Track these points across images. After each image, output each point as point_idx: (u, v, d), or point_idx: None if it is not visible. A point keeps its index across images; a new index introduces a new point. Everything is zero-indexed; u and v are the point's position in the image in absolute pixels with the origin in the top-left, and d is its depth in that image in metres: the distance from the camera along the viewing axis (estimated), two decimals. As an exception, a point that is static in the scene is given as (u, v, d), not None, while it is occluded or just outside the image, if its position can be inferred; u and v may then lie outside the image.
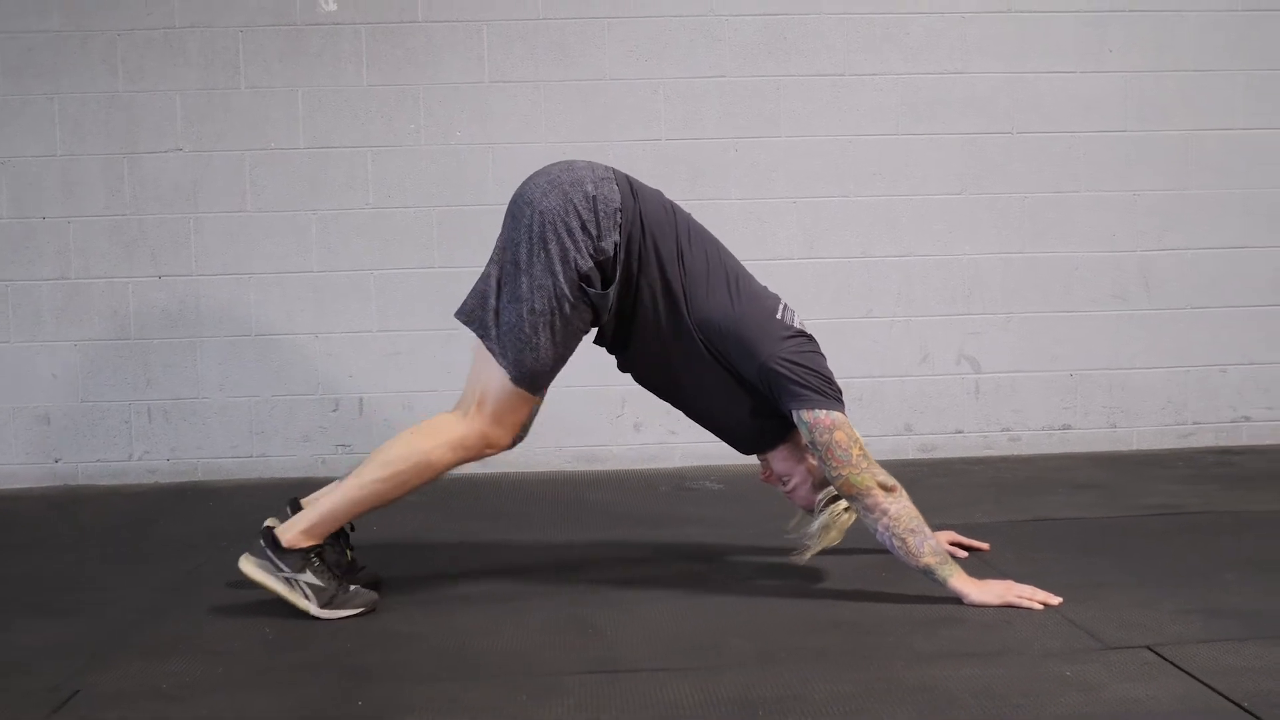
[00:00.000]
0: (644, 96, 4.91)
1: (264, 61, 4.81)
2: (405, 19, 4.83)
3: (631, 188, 3.10)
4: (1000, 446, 5.07)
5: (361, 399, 4.91)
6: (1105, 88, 5.01)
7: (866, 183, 4.98)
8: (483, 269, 3.14)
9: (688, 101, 4.92)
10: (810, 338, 3.15)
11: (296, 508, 3.20)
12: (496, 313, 2.99)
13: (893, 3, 4.94)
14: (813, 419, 3.00)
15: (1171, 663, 2.55)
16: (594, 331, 3.18)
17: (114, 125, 4.80)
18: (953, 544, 3.47)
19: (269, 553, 2.99)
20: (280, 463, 4.90)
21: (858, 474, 2.98)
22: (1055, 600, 2.97)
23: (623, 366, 3.27)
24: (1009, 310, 5.05)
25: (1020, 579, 3.06)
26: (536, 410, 3.11)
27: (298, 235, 4.85)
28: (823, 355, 3.14)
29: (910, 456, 5.00)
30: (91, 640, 2.85)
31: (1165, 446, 5.08)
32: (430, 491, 3.14)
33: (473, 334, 3.10)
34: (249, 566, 3.00)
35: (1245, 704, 2.32)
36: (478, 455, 3.04)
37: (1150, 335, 5.09)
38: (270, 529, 3.02)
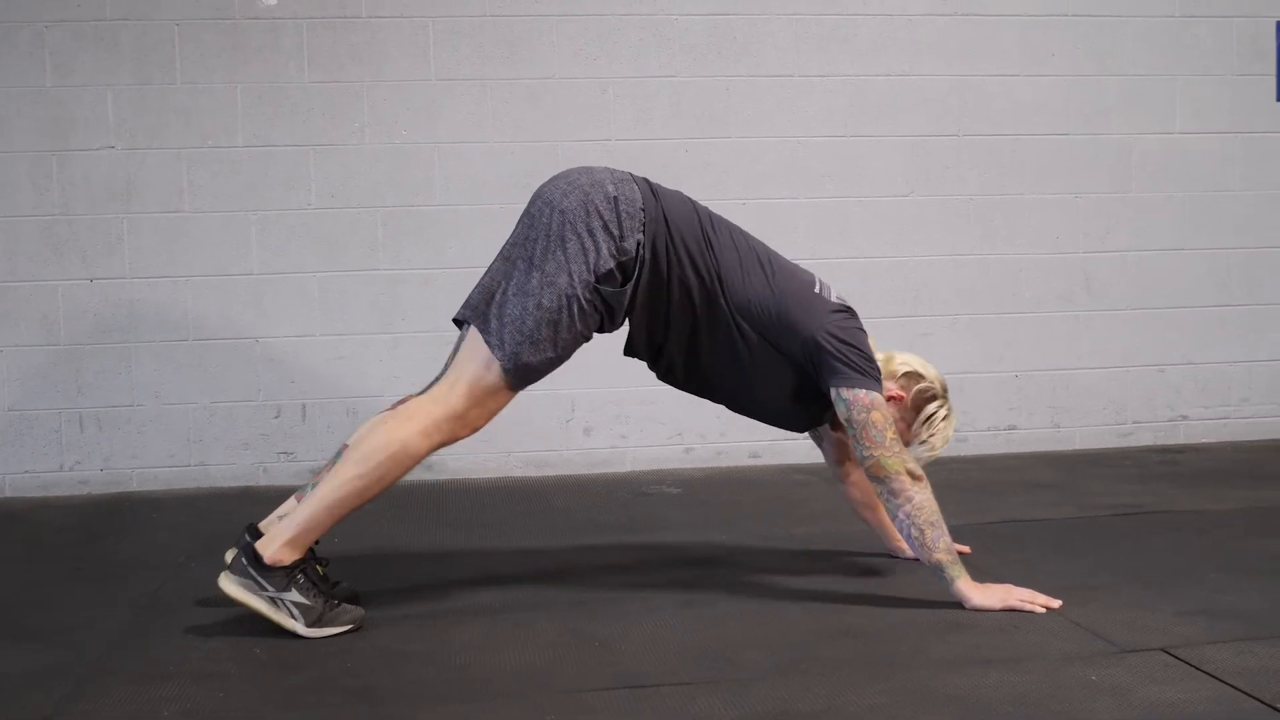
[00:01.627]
0: (593, 96, 4.84)
1: (201, 56, 4.64)
2: (348, 14, 4.70)
3: (651, 188, 3.05)
4: (948, 447, 5.07)
5: (304, 405, 4.76)
6: (1049, 91, 5.06)
7: (816, 184, 4.97)
8: (487, 269, 3.06)
9: (637, 101, 4.86)
10: (853, 312, 3.14)
11: (255, 534, 3.05)
12: (500, 306, 2.90)
13: (841, 4, 4.93)
14: (851, 396, 2.98)
15: (1190, 664, 2.55)
16: (599, 343, 3.12)
17: (42, 121, 4.59)
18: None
19: (251, 571, 2.84)
20: (220, 471, 4.73)
21: (889, 457, 2.96)
22: (1056, 603, 2.97)
23: (662, 375, 3.21)
24: (956, 311, 5.07)
25: (1009, 582, 3.06)
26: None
27: (237, 236, 4.69)
28: (865, 332, 3.12)
29: (860, 458, 4.99)
30: (72, 665, 2.70)
31: (1107, 446, 5.15)
32: (381, 500, 3.03)
33: (462, 330, 3.02)
34: (230, 586, 2.86)
35: (1277, 705, 2.32)
36: (450, 439, 2.93)
37: (1092, 336, 5.15)
38: (251, 545, 2.88)
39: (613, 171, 3.02)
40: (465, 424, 2.95)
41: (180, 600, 3.20)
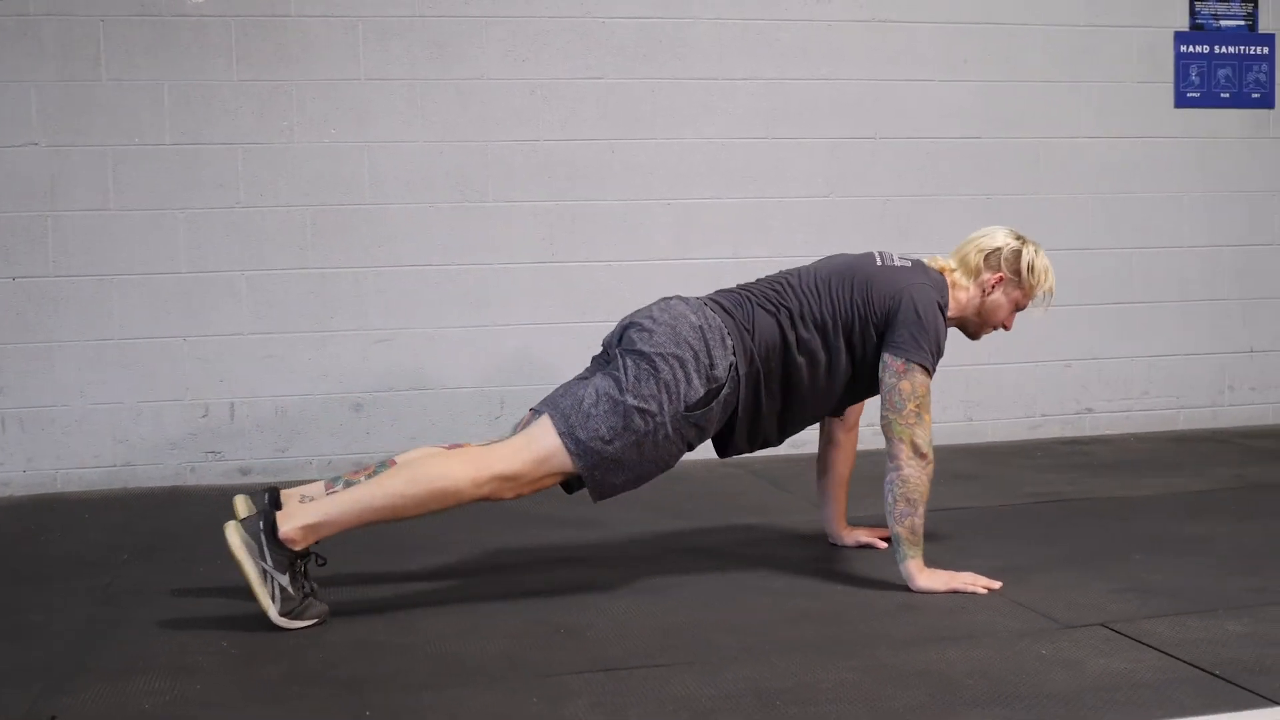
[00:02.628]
0: (522, 96, 4.90)
1: (127, 53, 4.61)
2: (277, 13, 4.70)
3: (720, 306, 3.17)
4: (865, 440, 5.16)
5: (233, 404, 4.75)
6: (962, 96, 5.24)
7: (739, 185, 5.09)
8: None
9: (566, 103, 4.93)
10: (922, 265, 3.31)
11: (275, 501, 3.04)
12: (588, 416, 2.97)
13: (763, 9, 5.06)
14: (894, 363, 3.14)
15: (1131, 638, 2.71)
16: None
17: (-37, 117, 4.54)
18: (867, 539, 3.59)
19: (263, 536, 2.83)
20: (147, 472, 4.70)
21: (901, 424, 3.11)
22: (996, 585, 3.11)
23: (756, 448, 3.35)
24: (873, 309, 5.21)
25: (947, 567, 3.19)
26: None
27: (165, 235, 4.67)
28: (941, 309, 3.24)
29: (783, 453, 5.09)
30: (42, 663, 2.69)
31: (1017, 438, 5.34)
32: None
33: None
34: (234, 539, 2.83)
35: (1218, 671, 2.48)
36: (493, 497, 2.99)
37: (1002, 333, 5.31)
38: (272, 513, 2.87)
39: (686, 300, 3.15)
40: (513, 487, 2.99)
41: (136, 596, 3.20)
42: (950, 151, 5.24)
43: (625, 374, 3.00)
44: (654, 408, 2.97)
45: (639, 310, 3.17)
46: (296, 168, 4.75)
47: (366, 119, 4.78)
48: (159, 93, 4.64)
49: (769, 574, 3.32)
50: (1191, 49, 5.40)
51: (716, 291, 3.28)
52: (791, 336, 3.15)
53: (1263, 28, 5.48)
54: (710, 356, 3.03)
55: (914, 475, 3.10)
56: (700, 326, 3.05)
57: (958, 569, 3.19)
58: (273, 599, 2.85)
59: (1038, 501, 4.16)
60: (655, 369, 2.98)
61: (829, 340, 3.18)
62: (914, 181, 5.22)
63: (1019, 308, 3.42)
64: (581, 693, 2.45)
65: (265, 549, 2.84)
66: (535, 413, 3.12)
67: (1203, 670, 2.50)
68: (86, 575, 3.44)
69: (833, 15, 5.11)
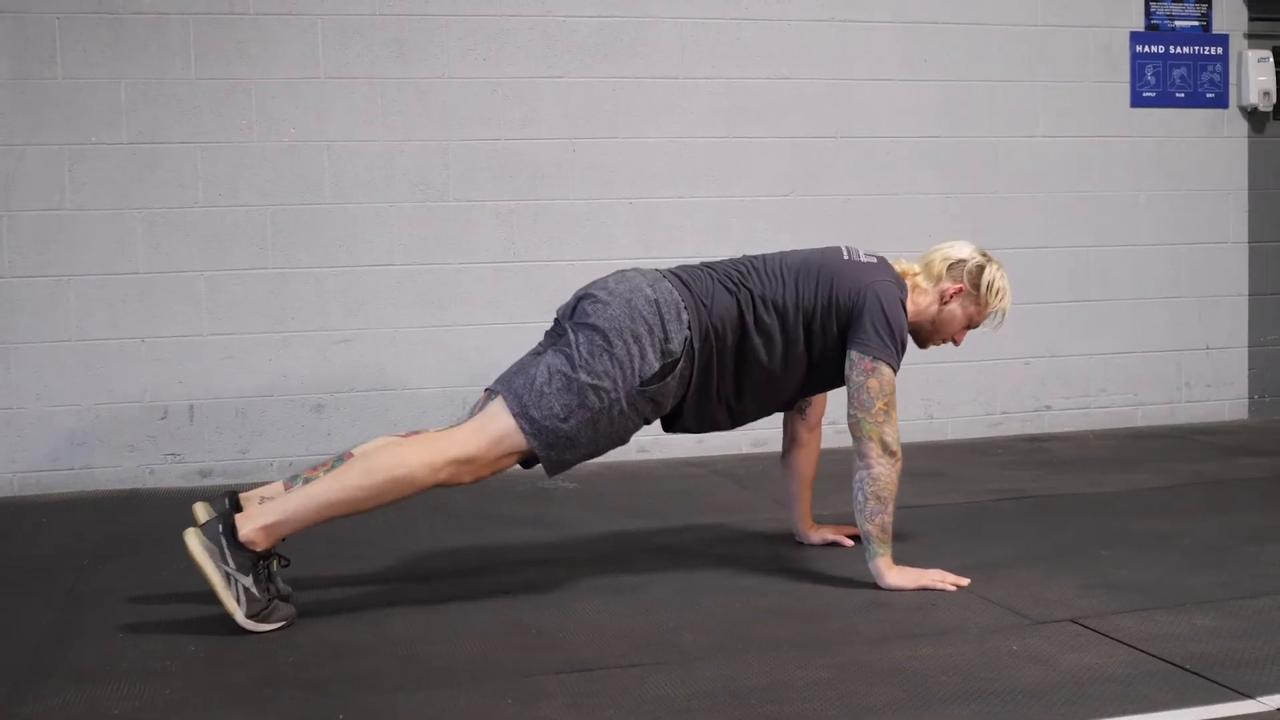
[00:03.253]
0: (483, 96, 4.88)
1: (83, 51, 4.56)
2: (235, 11, 4.66)
3: (680, 279, 3.14)
4: (826, 439, 5.13)
5: (192, 405, 4.71)
6: (922, 95, 5.27)
7: (700, 184, 5.09)
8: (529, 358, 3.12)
9: (527, 101, 4.92)
10: (890, 267, 3.30)
11: (235, 504, 3.02)
12: (541, 394, 2.95)
13: (724, 8, 5.06)
14: (860, 361, 3.12)
15: (1100, 633, 2.72)
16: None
17: (-84, 116, 4.48)
18: (833, 537, 3.60)
19: (222, 540, 2.80)
20: (105, 474, 4.65)
21: (869, 423, 3.10)
22: (965, 581, 3.12)
23: (706, 429, 3.32)
24: (834, 308, 5.23)
25: (914, 564, 3.20)
26: None
27: (122, 235, 4.62)
28: (904, 305, 3.24)
29: (744, 451, 5.13)
30: (6, 668, 2.65)
31: (977, 435, 5.38)
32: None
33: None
34: (194, 545, 2.80)
35: (1187, 666, 2.50)
36: (451, 481, 2.96)
37: (963, 331, 5.36)
38: (230, 516, 2.85)
39: (643, 273, 3.12)
40: (471, 470, 2.97)
41: (99, 600, 3.16)
42: (910, 150, 5.27)
43: (578, 350, 2.97)
44: (608, 384, 2.96)
45: (594, 281, 3.14)
46: (256, 167, 4.71)
47: (326, 118, 4.75)
48: (116, 91, 4.59)
49: (737, 573, 3.32)
50: (1147, 49, 5.46)
51: (679, 266, 3.25)
52: (750, 317, 3.14)
53: (1216, 28, 5.55)
54: (665, 330, 3.01)
55: (884, 473, 3.10)
56: (655, 300, 3.03)
57: (925, 566, 3.20)
58: (238, 602, 2.82)
59: (1001, 498, 4.19)
60: (609, 344, 2.96)
61: (788, 327, 3.17)
62: (874, 180, 5.24)
63: (971, 324, 3.43)
64: (556, 693, 2.44)
65: (226, 552, 2.81)
66: (490, 393, 3.09)
67: (1173, 665, 2.52)
68: (48, 579, 3.40)
69: (793, 15, 5.12)
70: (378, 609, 3.05)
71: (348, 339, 4.80)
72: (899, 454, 3.12)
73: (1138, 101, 5.49)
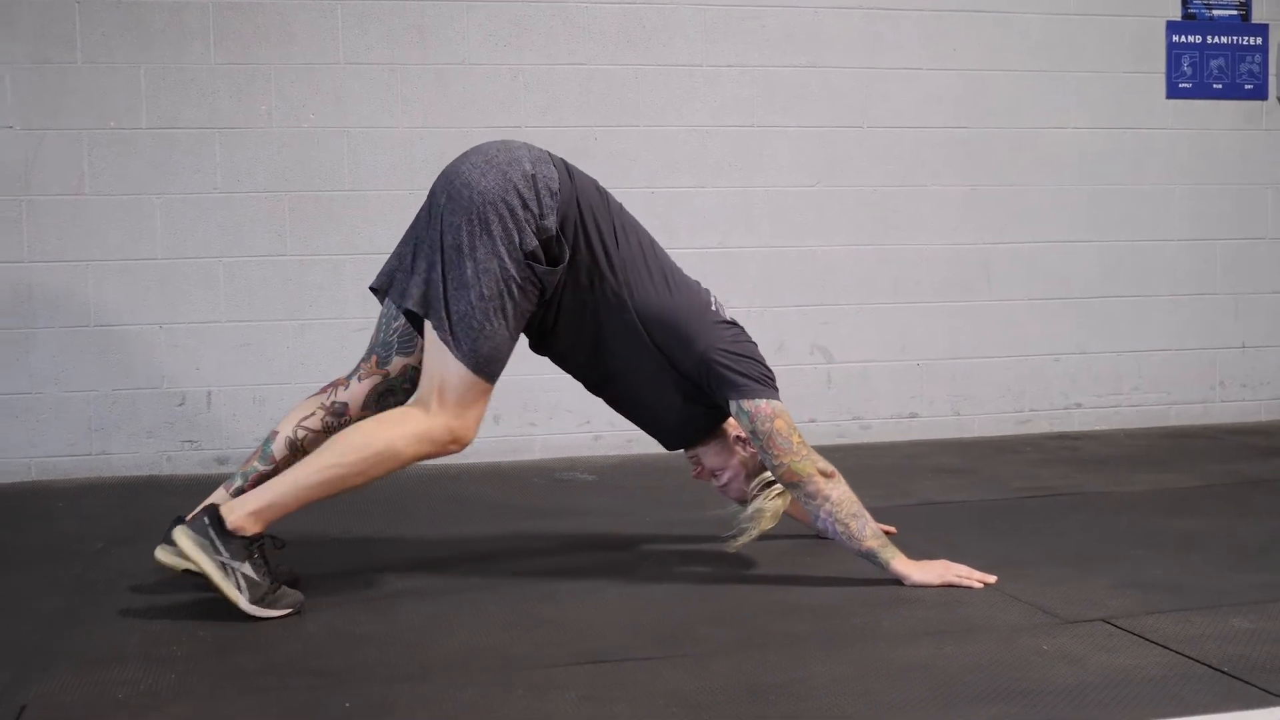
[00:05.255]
0: (503, 82, 4.82)
1: (103, 36, 4.51)
2: (256, -5, 4.62)
3: (568, 170, 3.02)
4: (852, 434, 5.17)
5: (210, 392, 4.66)
6: (950, 85, 5.18)
7: (724, 173, 5.02)
8: (404, 248, 3.02)
9: (547, 88, 4.86)
10: (742, 328, 3.16)
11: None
12: (446, 302, 2.86)
13: (750, -5, 5.00)
14: (753, 408, 2.99)
15: (1134, 633, 2.64)
16: None
17: (-66, 99, 4.44)
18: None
19: (211, 532, 2.76)
20: (122, 460, 4.61)
21: (799, 461, 2.99)
22: (992, 579, 3.03)
23: (539, 350, 3.19)
24: (860, 301, 5.15)
25: (943, 560, 3.13)
26: None
27: (141, 220, 4.57)
28: (755, 344, 3.14)
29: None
30: (13, 652, 2.61)
31: (1005, 433, 5.28)
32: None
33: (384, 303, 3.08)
34: (185, 541, 2.76)
35: (1225, 668, 2.41)
36: (443, 450, 2.89)
37: (991, 326, 5.28)
38: (215, 506, 2.81)
39: (530, 148, 2.99)
40: (457, 435, 2.89)
41: (110, 585, 3.12)
42: (937, 141, 5.18)
43: (463, 238, 2.83)
44: (495, 266, 2.83)
45: (475, 150, 2.99)
46: (275, 153, 4.66)
47: (345, 103, 4.70)
48: (135, 76, 4.55)
49: (759, 566, 3.25)
50: (1184, 39, 5.35)
51: (591, 179, 3.10)
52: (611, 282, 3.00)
53: (1256, 18, 5.43)
54: (540, 206, 2.87)
55: (840, 494, 3.00)
56: (533, 175, 2.89)
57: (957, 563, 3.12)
58: (239, 589, 2.77)
59: (1028, 496, 4.10)
60: (486, 223, 2.83)
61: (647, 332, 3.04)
62: (901, 171, 5.16)
63: (717, 471, 3.29)
64: (568, 685, 2.37)
65: (217, 543, 2.76)
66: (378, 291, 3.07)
67: (1210, 667, 2.43)
68: (59, 564, 3.36)
69: (819, 2, 5.04)
70: (389, 598, 3.00)
71: (366, 327, 4.71)
72: (835, 471, 3.04)
73: (1173, 93, 5.38)
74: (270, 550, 2.87)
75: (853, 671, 2.43)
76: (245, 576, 2.78)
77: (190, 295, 4.62)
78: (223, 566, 2.76)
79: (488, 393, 2.93)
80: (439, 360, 2.88)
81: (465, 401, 2.88)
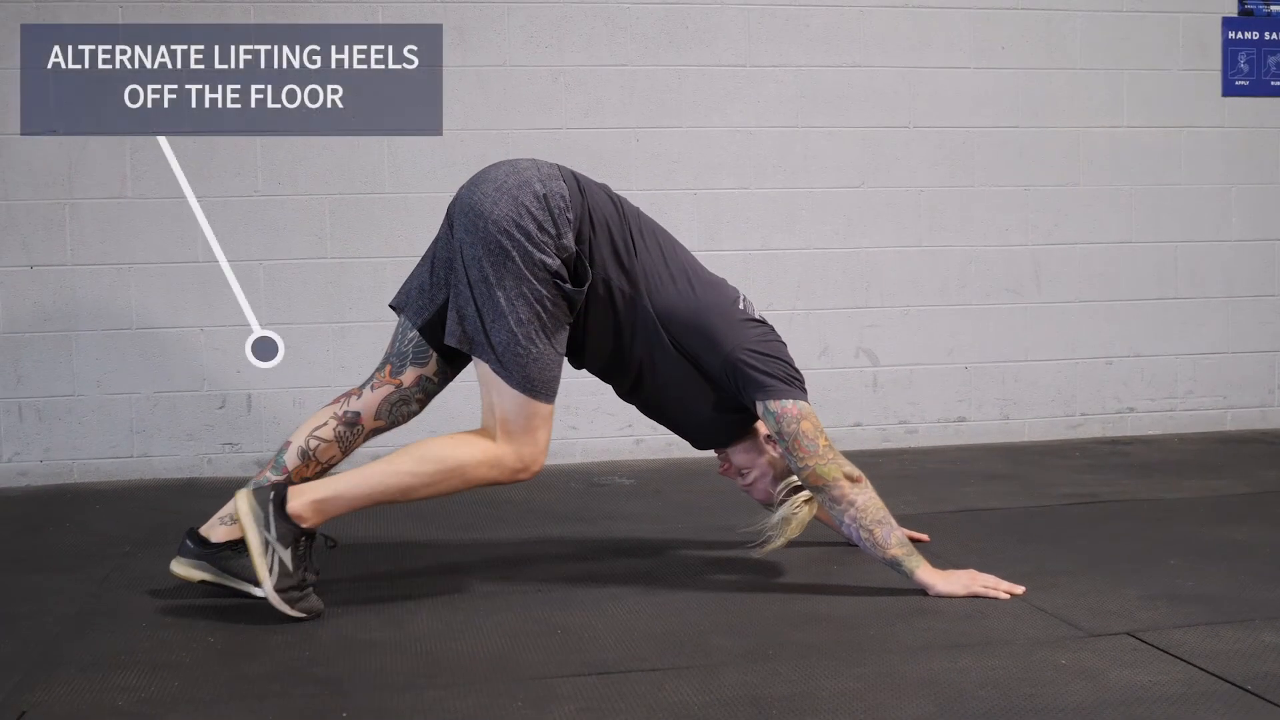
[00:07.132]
0: (545, 84, 4.80)
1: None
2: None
3: (578, 183, 3.01)
4: (897, 439, 5.09)
5: (250, 395, 4.68)
6: (999, 84, 5.08)
7: (767, 175, 4.96)
8: (422, 266, 3.13)
9: (589, 90, 4.83)
10: (771, 327, 3.11)
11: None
12: (487, 335, 2.86)
13: (793, -6, 4.93)
14: (780, 409, 2.95)
15: (1158, 648, 2.57)
16: None
17: (-20, 104, 4.49)
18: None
19: (271, 506, 2.79)
20: (163, 463, 4.64)
21: (824, 465, 2.94)
22: (1019, 589, 2.97)
23: (576, 364, 3.18)
24: (906, 303, 5.08)
25: (970, 569, 3.05)
26: None
27: (182, 223, 4.60)
28: (784, 343, 3.10)
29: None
30: (21, 656, 2.63)
31: (1055, 437, 5.18)
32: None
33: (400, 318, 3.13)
34: (244, 504, 2.81)
35: (1248, 686, 2.33)
36: (511, 478, 2.92)
37: (1041, 328, 5.18)
38: (284, 487, 2.84)
39: (539, 166, 2.97)
40: (526, 463, 2.91)
41: (127, 591, 3.13)
42: (986, 141, 5.09)
43: (487, 270, 2.83)
44: (526, 290, 2.83)
45: (482, 176, 2.99)
46: (315, 156, 4.67)
47: (386, 106, 4.70)
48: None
49: (778, 574, 3.20)
50: (1241, 35, 5.21)
51: (601, 186, 3.09)
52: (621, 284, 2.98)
53: (1314, 12, 5.30)
54: (556, 226, 2.86)
55: (865, 499, 2.96)
56: (544, 195, 2.87)
57: (981, 571, 3.04)
58: (270, 570, 2.77)
59: (1070, 503, 4.01)
60: (506, 251, 2.83)
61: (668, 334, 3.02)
62: (949, 172, 5.07)
63: (744, 469, 3.24)
64: (569, 697, 2.34)
65: (271, 520, 2.78)
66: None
67: (1232, 684, 2.35)
68: (85, 566, 3.38)
69: (864, 1, 4.96)
70: (403, 603, 2.99)
71: (406, 330, 4.73)
72: (862, 475, 2.98)
73: (1230, 90, 5.25)
74: (316, 552, 2.88)
75: (861, 685, 2.38)
76: (282, 562, 2.78)
77: (231, 298, 4.63)
78: (265, 543, 2.78)
79: (550, 415, 2.94)
80: (495, 393, 2.89)
81: (531, 427, 2.89)
